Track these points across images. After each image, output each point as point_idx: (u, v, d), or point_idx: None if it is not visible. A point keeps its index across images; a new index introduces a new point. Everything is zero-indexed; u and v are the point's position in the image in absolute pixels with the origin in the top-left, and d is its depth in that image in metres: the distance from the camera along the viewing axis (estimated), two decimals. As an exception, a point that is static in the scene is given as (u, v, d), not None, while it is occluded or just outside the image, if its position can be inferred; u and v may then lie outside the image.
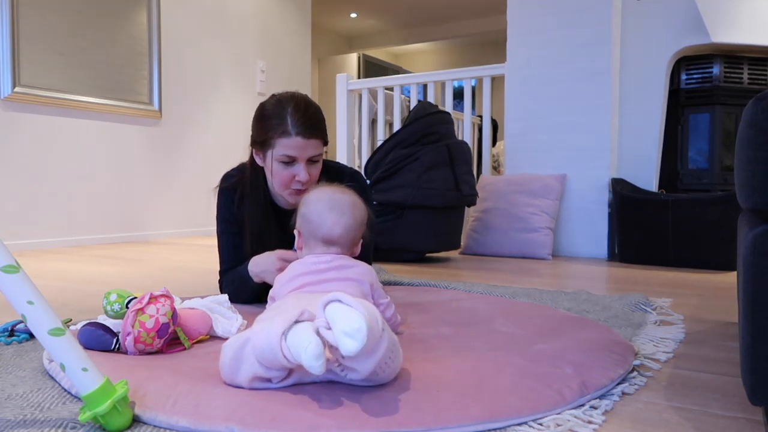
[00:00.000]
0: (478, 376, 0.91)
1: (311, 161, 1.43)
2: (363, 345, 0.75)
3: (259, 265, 1.42)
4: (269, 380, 0.86)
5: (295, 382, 0.88)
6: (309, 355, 0.76)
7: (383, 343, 0.83)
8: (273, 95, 1.47)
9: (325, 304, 0.81)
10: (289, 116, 1.38)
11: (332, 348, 0.81)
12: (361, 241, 1.24)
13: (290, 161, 1.41)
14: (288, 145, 1.39)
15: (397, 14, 7.47)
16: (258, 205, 1.52)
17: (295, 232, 1.24)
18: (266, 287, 1.36)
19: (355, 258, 1.21)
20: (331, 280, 1.11)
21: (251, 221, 1.51)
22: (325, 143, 1.47)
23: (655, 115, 2.93)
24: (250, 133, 1.51)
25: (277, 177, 1.44)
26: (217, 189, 1.58)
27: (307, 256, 1.17)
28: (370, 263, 1.59)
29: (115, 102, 3.55)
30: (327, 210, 1.17)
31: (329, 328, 0.79)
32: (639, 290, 1.92)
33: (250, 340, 0.85)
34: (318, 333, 0.80)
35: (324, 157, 1.52)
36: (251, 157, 1.53)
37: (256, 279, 1.44)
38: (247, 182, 1.53)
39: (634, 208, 2.63)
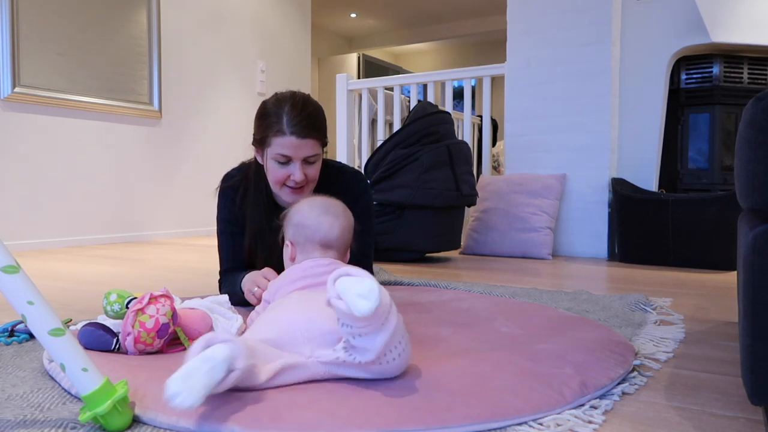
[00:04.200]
0: (478, 376, 0.91)
1: (307, 161, 1.41)
2: (377, 304, 0.78)
3: (246, 283, 1.40)
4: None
5: (294, 380, 0.88)
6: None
7: (392, 318, 0.84)
8: (275, 93, 1.46)
9: (335, 279, 0.83)
10: (285, 115, 1.37)
11: (342, 321, 0.83)
12: (349, 250, 1.26)
13: (285, 161, 1.40)
14: (282, 144, 1.37)
15: (397, 14, 7.46)
16: (260, 202, 1.51)
17: (287, 243, 1.24)
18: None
19: (354, 264, 1.21)
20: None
21: (252, 219, 1.51)
22: (324, 143, 1.45)
23: (655, 114, 2.93)
24: (250, 132, 1.51)
25: (272, 175, 1.43)
26: (218, 189, 1.58)
27: (304, 261, 1.17)
28: (371, 269, 1.59)
29: (115, 102, 3.55)
30: (322, 213, 1.19)
31: (340, 299, 0.80)
32: (639, 290, 1.92)
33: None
34: (329, 304, 0.82)
35: (324, 156, 1.51)
36: (255, 156, 1.53)
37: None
38: (251, 180, 1.52)
39: (634, 208, 2.63)
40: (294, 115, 1.37)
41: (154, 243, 3.62)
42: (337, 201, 1.24)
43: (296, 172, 1.40)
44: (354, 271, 0.83)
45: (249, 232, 1.51)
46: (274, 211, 1.53)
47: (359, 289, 0.78)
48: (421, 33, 8.06)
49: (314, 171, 1.45)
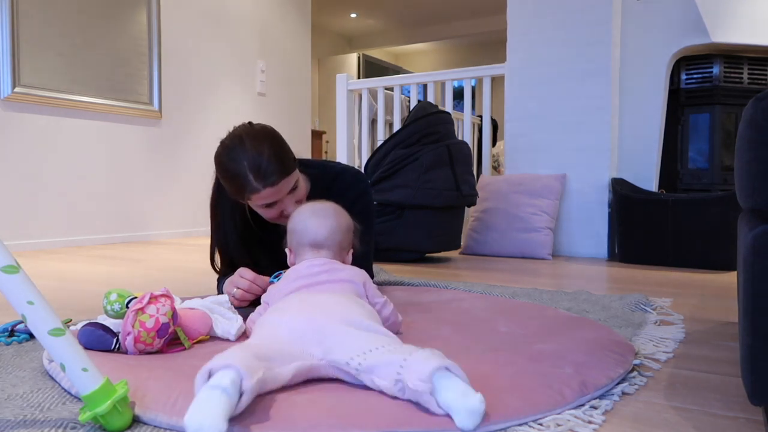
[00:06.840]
0: (478, 376, 0.91)
1: (292, 191, 1.38)
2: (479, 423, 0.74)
3: (226, 286, 1.40)
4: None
5: (306, 378, 0.88)
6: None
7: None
8: (222, 143, 1.38)
9: (433, 372, 0.76)
10: (249, 173, 1.30)
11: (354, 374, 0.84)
12: (351, 250, 1.27)
13: (271, 204, 1.37)
14: (260, 197, 1.34)
15: (397, 14, 7.46)
16: (236, 227, 1.52)
17: (287, 250, 1.27)
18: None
19: (354, 265, 1.23)
20: (324, 282, 1.12)
21: (239, 228, 1.52)
22: (295, 169, 1.38)
23: (655, 114, 2.93)
24: None
25: (266, 215, 1.42)
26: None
27: (300, 263, 1.19)
28: (371, 270, 1.59)
29: (115, 102, 3.55)
30: (309, 217, 1.22)
31: (431, 394, 0.76)
32: (639, 290, 1.92)
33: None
34: (411, 388, 0.78)
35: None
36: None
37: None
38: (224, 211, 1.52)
39: (634, 208, 2.63)
40: (256, 167, 1.30)
41: (155, 243, 3.62)
42: (328, 204, 1.25)
43: (287, 207, 1.37)
44: (454, 367, 0.77)
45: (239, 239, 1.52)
46: (262, 222, 1.51)
47: (470, 405, 0.73)
48: (421, 33, 8.06)
49: (302, 193, 1.43)
